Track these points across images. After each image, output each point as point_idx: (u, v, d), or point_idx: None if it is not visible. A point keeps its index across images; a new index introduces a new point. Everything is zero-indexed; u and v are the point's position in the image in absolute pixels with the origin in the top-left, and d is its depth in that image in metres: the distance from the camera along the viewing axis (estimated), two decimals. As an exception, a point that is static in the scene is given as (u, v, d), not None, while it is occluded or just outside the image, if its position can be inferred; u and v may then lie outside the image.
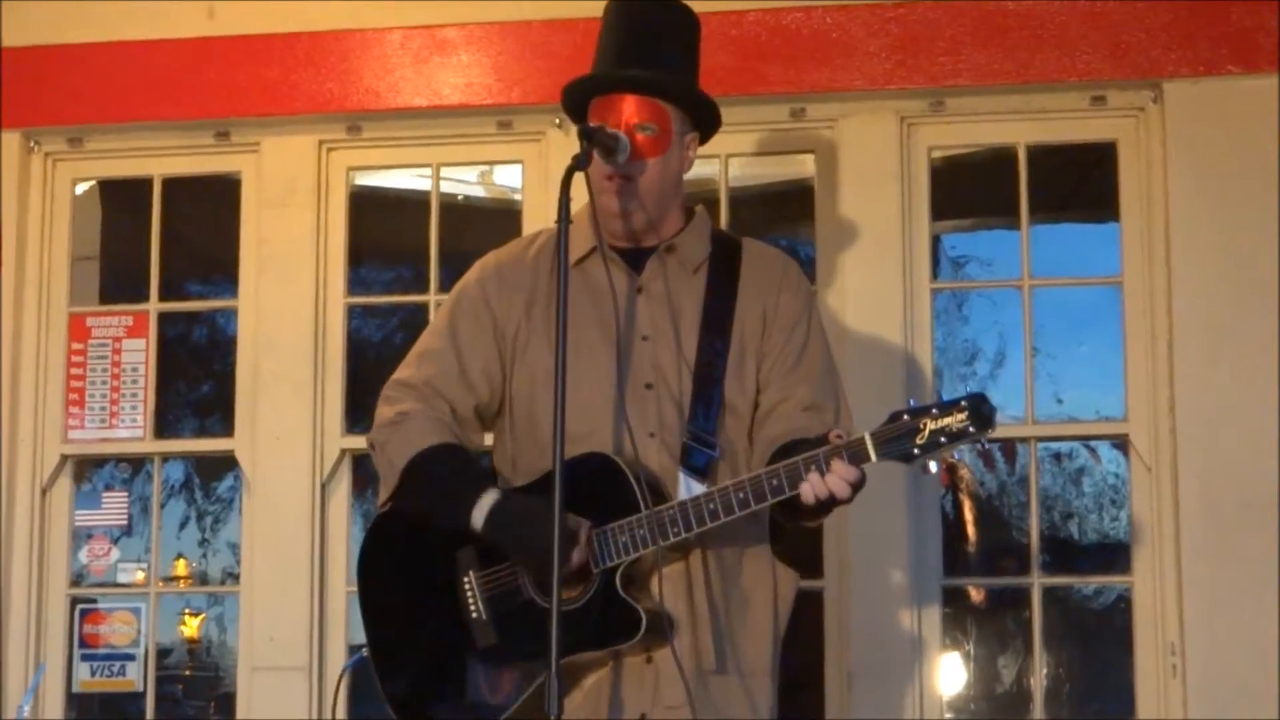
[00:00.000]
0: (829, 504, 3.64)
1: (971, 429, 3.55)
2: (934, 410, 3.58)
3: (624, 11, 4.10)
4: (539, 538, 3.61)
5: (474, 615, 3.85)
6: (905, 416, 3.60)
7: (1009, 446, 6.81)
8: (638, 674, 3.84)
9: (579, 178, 3.78)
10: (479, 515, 3.78)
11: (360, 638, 4.12)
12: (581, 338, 3.81)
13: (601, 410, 3.88)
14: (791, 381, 3.97)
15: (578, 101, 4.06)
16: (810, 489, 3.61)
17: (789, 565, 4.05)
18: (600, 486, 3.76)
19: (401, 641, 3.96)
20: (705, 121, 4.09)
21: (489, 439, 4.16)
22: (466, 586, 3.86)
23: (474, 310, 4.04)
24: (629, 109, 3.94)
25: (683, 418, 3.91)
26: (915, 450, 3.58)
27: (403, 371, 4.06)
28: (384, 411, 4.02)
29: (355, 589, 4.11)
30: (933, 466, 3.62)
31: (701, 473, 3.86)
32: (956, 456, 3.59)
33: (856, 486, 3.64)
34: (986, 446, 3.63)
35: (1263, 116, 5.57)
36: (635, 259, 4.02)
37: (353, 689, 5.80)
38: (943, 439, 3.56)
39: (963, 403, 3.56)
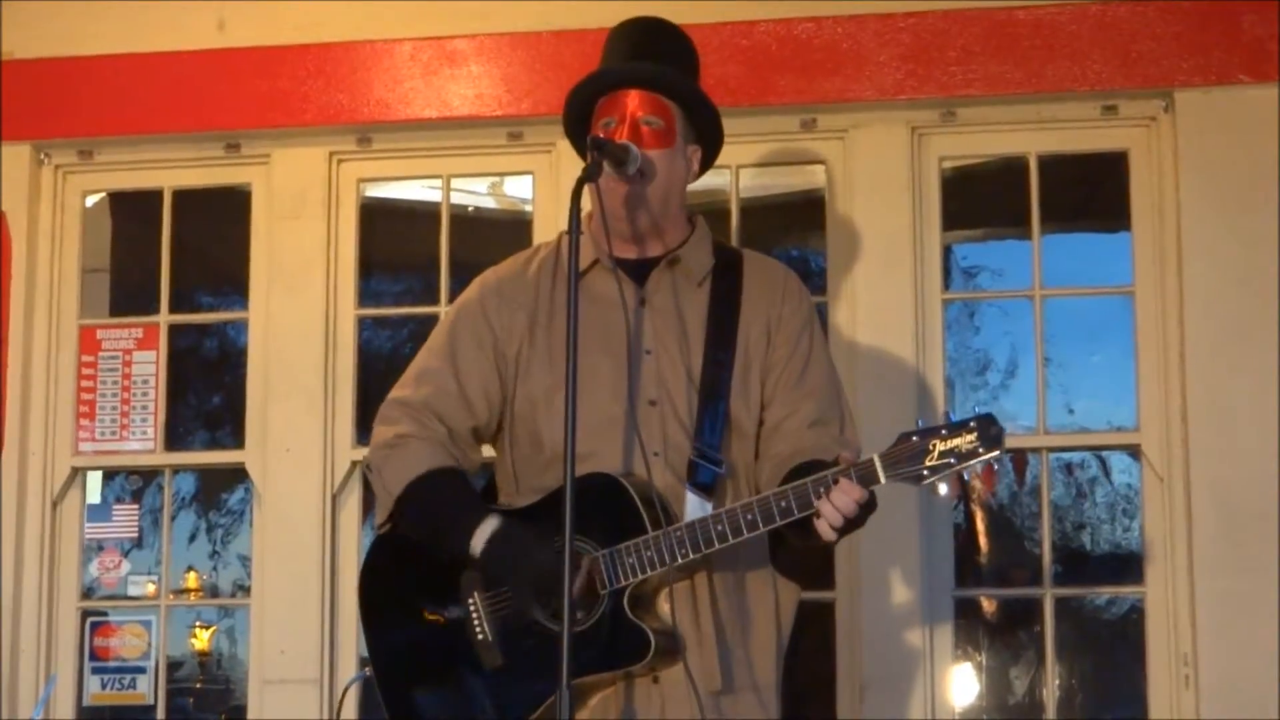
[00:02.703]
0: (844, 527, 3.63)
1: (980, 450, 3.55)
2: (942, 431, 3.58)
3: (632, 27, 4.14)
4: (537, 565, 3.64)
5: (480, 636, 3.83)
6: (914, 438, 3.60)
7: (1020, 457, 6.79)
8: (645, 694, 3.84)
9: (599, 190, 3.80)
10: (478, 541, 3.77)
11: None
12: (584, 352, 3.74)
13: (605, 428, 3.86)
14: (797, 397, 3.97)
15: (584, 107, 4.06)
16: (825, 518, 3.60)
17: (790, 579, 4.04)
18: (605, 507, 3.74)
19: (406, 663, 3.95)
20: (707, 138, 4.10)
21: (488, 450, 4.16)
22: (472, 608, 3.84)
23: (474, 329, 4.03)
24: (634, 102, 3.96)
25: (688, 434, 3.90)
26: (925, 472, 3.58)
27: (400, 391, 4.05)
28: (381, 433, 4.01)
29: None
30: (942, 488, 3.61)
31: (708, 490, 3.86)
32: (966, 476, 3.58)
33: (867, 509, 3.63)
34: (996, 467, 3.62)
35: (1274, 126, 5.56)
36: (638, 270, 4.02)
37: (363, 701, 5.80)
38: (952, 460, 3.56)
39: (971, 423, 3.56)
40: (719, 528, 3.68)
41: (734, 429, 3.95)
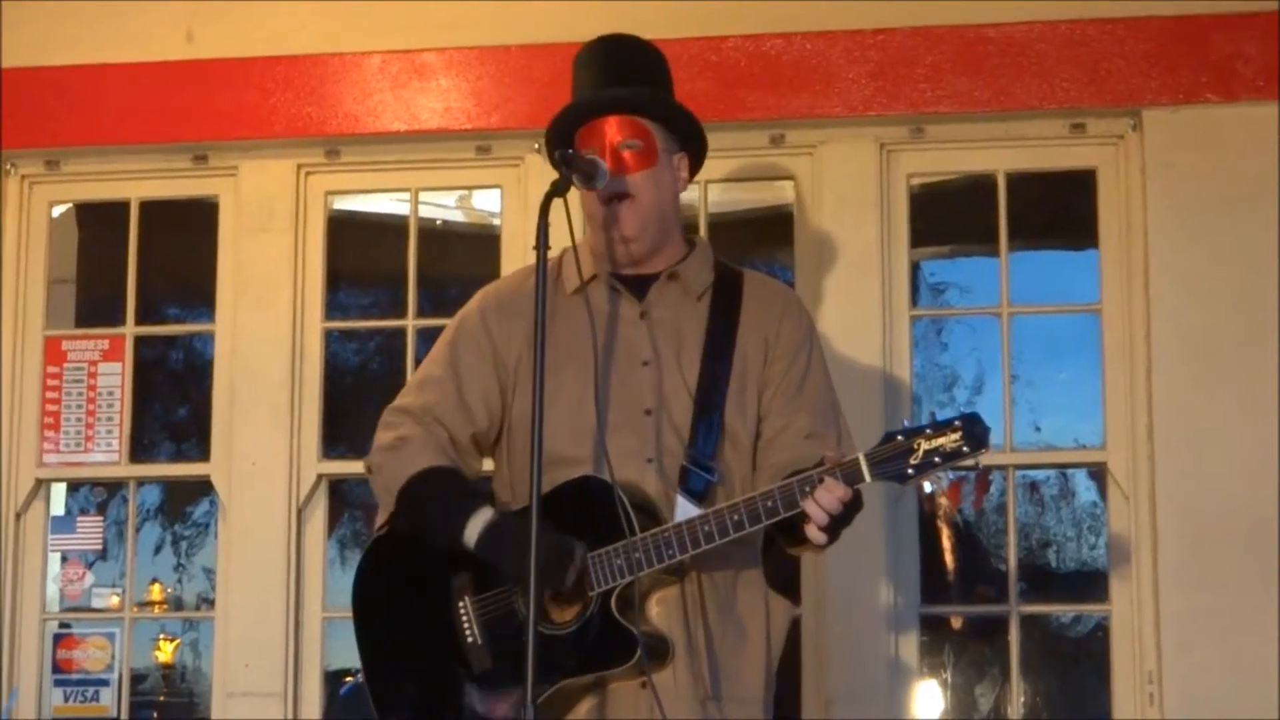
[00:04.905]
0: (832, 529, 3.65)
1: (965, 449, 3.59)
2: (928, 430, 3.62)
3: (596, 50, 4.17)
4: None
5: (469, 640, 3.86)
6: (899, 437, 3.64)
7: (984, 475, 6.81)
8: (632, 699, 3.85)
9: (567, 204, 3.80)
10: (472, 532, 3.80)
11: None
12: (581, 363, 3.85)
13: (597, 436, 3.87)
14: (793, 409, 4.01)
15: (564, 138, 4.08)
16: (812, 518, 3.62)
17: (782, 594, 4.05)
18: (594, 509, 3.79)
19: (398, 666, 3.97)
20: (691, 144, 4.14)
21: (488, 464, 4.19)
22: (462, 611, 3.87)
23: (474, 339, 4.08)
24: (611, 129, 4.00)
25: (682, 443, 3.93)
26: (910, 470, 3.62)
27: (403, 398, 4.10)
28: (382, 436, 4.05)
29: (347, 613, 4.09)
30: (927, 486, 3.64)
31: (700, 497, 3.89)
32: (951, 477, 3.63)
33: (852, 507, 3.67)
34: (979, 466, 3.65)
35: (1241, 144, 5.58)
36: (639, 285, 4.06)
37: (327, 706, 5.80)
38: (937, 459, 3.60)
39: (956, 423, 3.61)
40: (706, 528, 3.72)
41: (729, 439, 3.98)
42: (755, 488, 3.94)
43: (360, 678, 4.09)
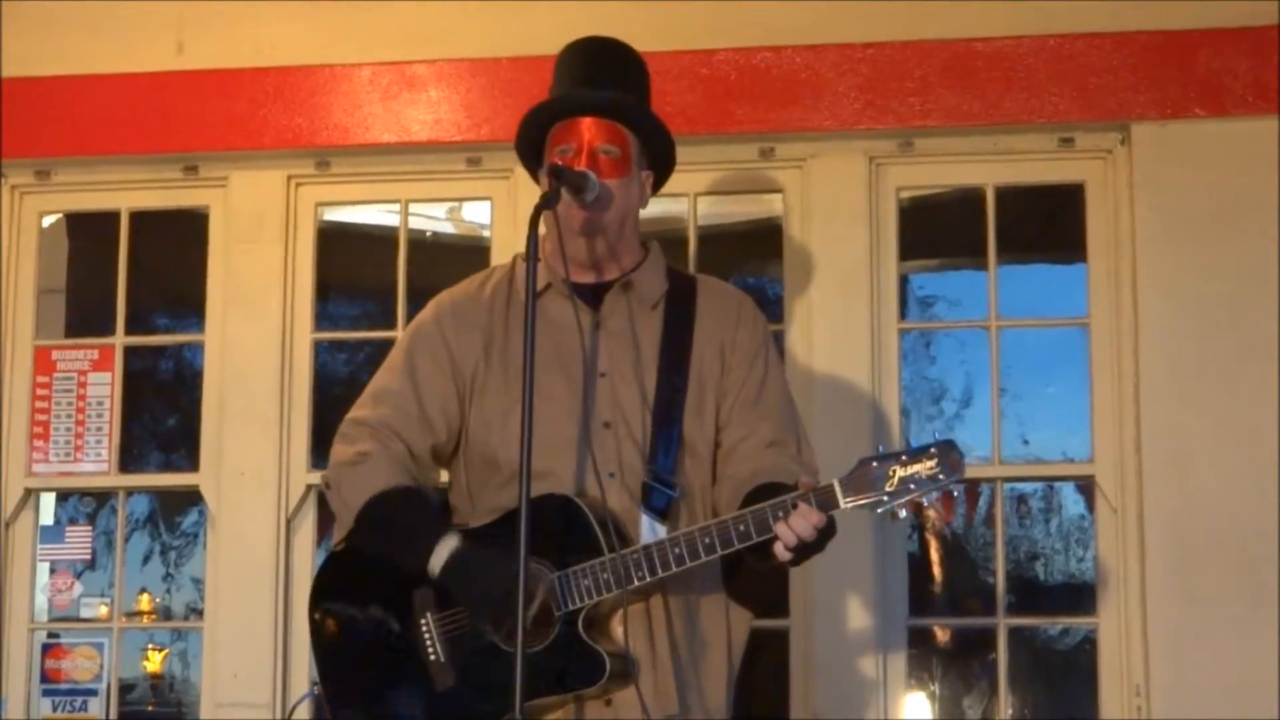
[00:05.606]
0: (802, 551, 3.63)
1: (940, 475, 3.56)
2: (903, 457, 3.59)
3: (580, 51, 4.15)
4: (495, 588, 3.62)
5: (432, 657, 3.82)
6: (874, 464, 3.60)
7: (973, 487, 6.80)
8: (597, 717, 3.83)
9: (556, 218, 3.80)
10: (437, 560, 3.77)
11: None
12: (539, 374, 3.75)
13: (560, 448, 3.86)
14: (753, 418, 3.97)
15: (537, 132, 4.07)
16: (782, 541, 3.60)
17: (743, 606, 4.04)
18: (560, 527, 3.75)
19: (357, 684, 3.93)
20: (659, 164, 4.12)
21: (445, 476, 4.16)
22: (424, 628, 3.83)
23: (432, 348, 4.03)
24: (591, 130, 3.97)
25: (642, 457, 3.90)
26: (885, 498, 3.59)
27: (359, 410, 4.04)
28: (341, 450, 4.00)
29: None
30: (901, 514, 3.62)
31: (662, 513, 3.86)
32: (926, 503, 3.58)
33: (825, 534, 3.64)
34: (955, 494, 3.63)
35: (1230, 159, 5.59)
36: (592, 294, 4.03)
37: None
38: (912, 485, 3.57)
39: (931, 449, 3.58)
40: (676, 551, 3.68)
41: (688, 451, 3.95)
42: (717, 498, 3.95)
43: (317, 691, 4.07)
